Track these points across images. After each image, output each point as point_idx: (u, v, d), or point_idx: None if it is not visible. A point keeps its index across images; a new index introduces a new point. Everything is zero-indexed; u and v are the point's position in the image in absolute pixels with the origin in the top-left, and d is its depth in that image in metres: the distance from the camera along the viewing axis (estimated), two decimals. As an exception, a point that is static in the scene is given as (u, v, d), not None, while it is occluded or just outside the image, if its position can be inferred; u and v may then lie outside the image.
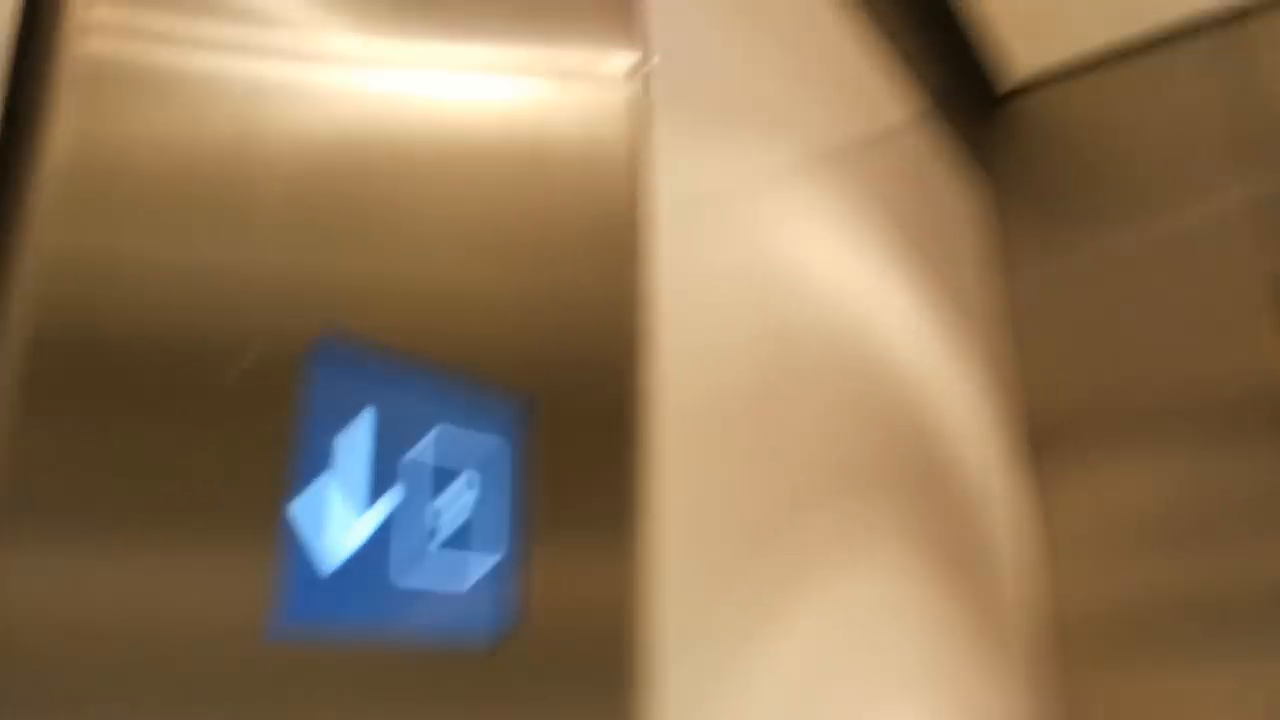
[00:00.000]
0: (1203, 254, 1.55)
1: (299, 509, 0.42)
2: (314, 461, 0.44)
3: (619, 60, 0.68)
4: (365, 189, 0.48)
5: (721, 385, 0.78)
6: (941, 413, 1.29)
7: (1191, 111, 1.62)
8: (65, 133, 0.36)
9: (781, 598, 0.78)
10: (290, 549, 0.41)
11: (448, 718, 0.47)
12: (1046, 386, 1.64)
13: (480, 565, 0.51)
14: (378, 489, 0.47)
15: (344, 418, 0.46)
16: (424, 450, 0.50)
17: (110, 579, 0.35)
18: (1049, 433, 1.62)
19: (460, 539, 0.50)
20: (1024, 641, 1.35)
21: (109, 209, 0.37)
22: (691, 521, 0.70)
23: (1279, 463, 1.40)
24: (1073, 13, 1.63)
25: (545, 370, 0.57)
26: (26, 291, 0.35)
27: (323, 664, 0.42)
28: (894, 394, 1.13)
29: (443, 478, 0.50)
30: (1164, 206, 1.61)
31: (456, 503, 0.51)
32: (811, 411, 0.92)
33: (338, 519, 0.45)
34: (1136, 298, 1.58)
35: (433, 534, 0.49)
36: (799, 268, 0.97)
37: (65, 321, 0.35)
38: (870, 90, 1.28)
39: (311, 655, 0.41)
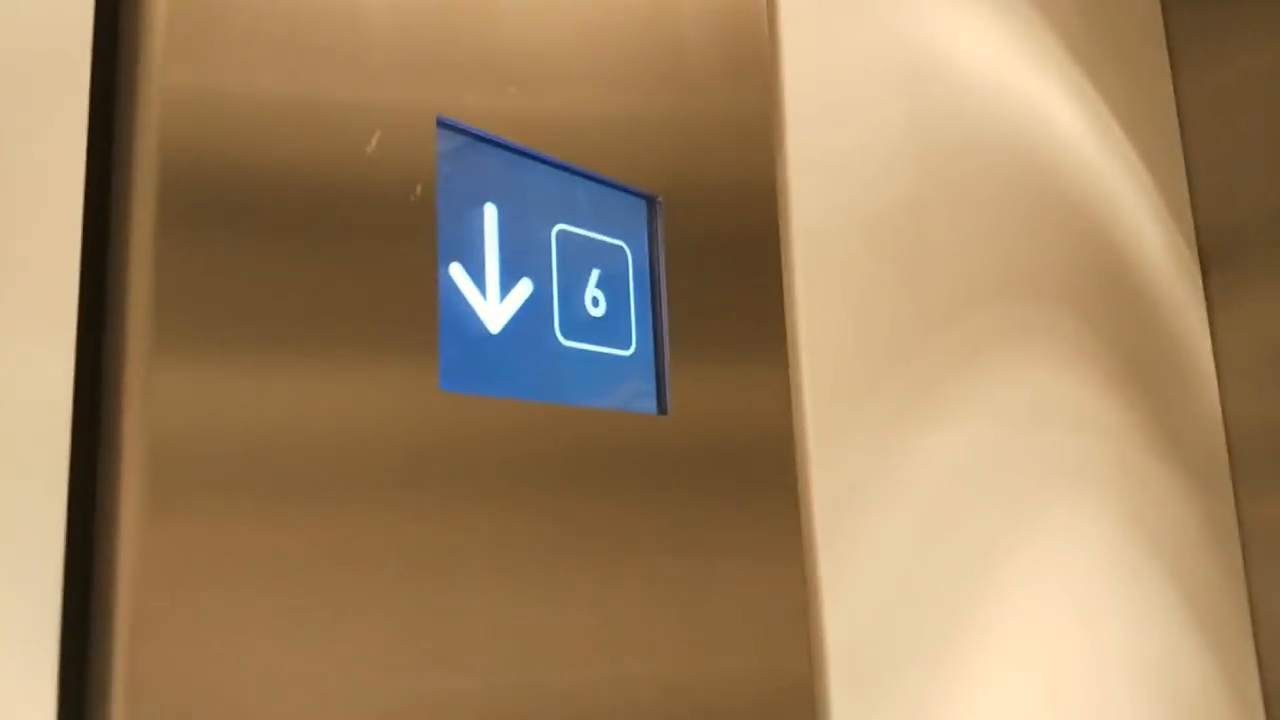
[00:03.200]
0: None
1: (444, 287, 0.42)
2: (446, 250, 0.44)
3: None
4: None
5: (862, 191, 0.74)
6: (1113, 218, 1.20)
7: None
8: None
9: (936, 399, 0.75)
10: (446, 318, 0.42)
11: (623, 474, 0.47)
12: (1216, 202, 1.51)
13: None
14: (504, 285, 0.47)
15: (466, 210, 0.45)
16: (545, 248, 0.49)
17: (273, 376, 0.36)
18: (1217, 251, 1.50)
19: (588, 337, 0.50)
20: (1194, 457, 1.28)
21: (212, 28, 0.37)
22: (837, 322, 0.68)
23: None
24: None
25: (671, 171, 0.55)
26: (149, 126, 0.35)
27: (491, 416, 0.43)
28: (1061, 198, 1.06)
29: (567, 277, 0.50)
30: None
31: (583, 301, 0.50)
32: (969, 217, 0.87)
33: (478, 303, 0.45)
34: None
35: (559, 332, 0.49)
36: (951, 60, 0.89)
37: (189, 149, 0.36)
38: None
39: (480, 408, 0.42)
